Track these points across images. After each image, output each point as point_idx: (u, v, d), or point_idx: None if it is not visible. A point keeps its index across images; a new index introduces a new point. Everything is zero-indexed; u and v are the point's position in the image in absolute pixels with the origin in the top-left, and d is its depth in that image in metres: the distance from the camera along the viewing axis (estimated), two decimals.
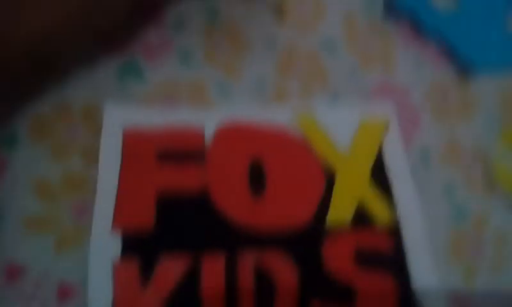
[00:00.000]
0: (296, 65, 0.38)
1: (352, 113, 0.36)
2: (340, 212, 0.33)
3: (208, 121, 0.34)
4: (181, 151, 0.32)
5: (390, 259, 0.32)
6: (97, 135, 0.32)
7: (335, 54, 0.39)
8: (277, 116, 0.35)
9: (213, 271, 0.30)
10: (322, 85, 0.37)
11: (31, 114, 0.32)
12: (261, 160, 0.33)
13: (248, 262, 0.30)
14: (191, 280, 0.29)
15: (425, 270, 0.33)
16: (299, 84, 0.37)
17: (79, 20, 0.30)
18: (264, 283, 0.30)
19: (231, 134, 0.34)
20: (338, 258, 0.31)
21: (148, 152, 0.32)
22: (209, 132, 0.34)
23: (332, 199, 0.33)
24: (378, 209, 0.33)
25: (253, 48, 0.38)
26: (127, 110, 0.33)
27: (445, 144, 0.37)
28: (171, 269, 0.30)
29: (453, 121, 0.38)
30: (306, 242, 0.32)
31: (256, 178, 0.33)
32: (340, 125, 0.35)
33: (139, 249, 0.30)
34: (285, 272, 0.31)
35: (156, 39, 0.36)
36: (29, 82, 0.32)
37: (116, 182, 0.31)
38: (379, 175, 0.34)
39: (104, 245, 0.29)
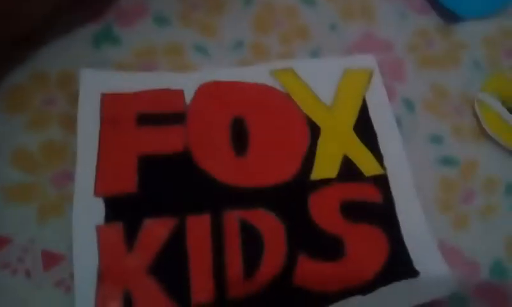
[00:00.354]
0: (275, 21, 0.37)
1: (334, 66, 0.36)
2: (325, 165, 0.33)
3: (187, 83, 0.33)
4: (161, 113, 0.32)
5: (378, 210, 0.32)
6: (75, 103, 0.32)
7: (314, 8, 0.38)
8: (257, 74, 0.34)
9: (199, 231, 0.30)
10: (302, 41, 0.37)
11: (6, 85, 0.32)
12: (243, 118, 0.33)
13: (233, 220, 0.30)
14: (177, 241, 0.29)
15: (414, 219, 0.32)
16: (278, 41, 0.36)
17: None
18: (251, 239, 0.30)
19: (211, 94, 0.33)
20: (324, 211, 0.31)
21: (127, 116, 0.31)
22: (189, 93, 0.33)
23: (317, 153, 0.33)
24: (364, 161, 0.33)
25: (231, 5, 0.37)
26: (104, 76, 0.32)
27: (431, 94, 0.37)
28: (156, 231, 0.29)
29: (438, 70, 0.38)
30: (291, 197, 0.31)
31: (239, 136, 0.32)
32: (322, 79, 0.35)
33: (123, 213, 0.29)
34: (271, 228, 0.30)
35: (131, 3, 0.35)
36: (5, 53, 0.32)
37: (96, 148, 0.31)
38: (364, 127, 0.34)
39: (87, 212, 0.29)
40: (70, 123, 0.31)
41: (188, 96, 0.33)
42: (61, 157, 0.30)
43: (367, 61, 0.36)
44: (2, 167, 0.29)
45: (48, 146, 0.31)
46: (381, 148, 0.33)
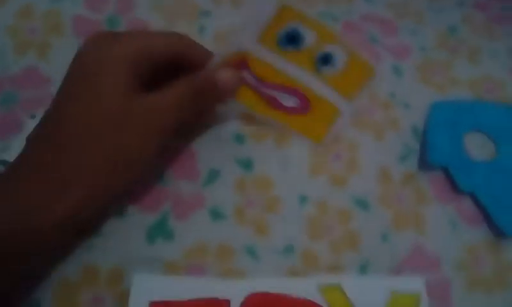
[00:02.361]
0: (327, 225, 0.37)
1: (382, 287, 0.35)
2: None
3: (235, 292, 0.33)
4: None
5: None
6: (122, 303, 0.32)
7: (367, 212, 0.38)
8: (305, 288, 0.34)
9: None
10: (352, 248, 0.37)
11: (57, 277, 0.32)
12: None
13: None
14: None
15: None
16: (328, 249, 0.36)
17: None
18: None
19: None
20: None
21: None
22: (235, 303, 0.33)
23: None
24: None
25: (284, 205, 0.37)
26: (154, 282, 0.33)
27: None
28: None
29: (485, 293, 0.37)
30: None
31: None
32: (369, 300, 0.35)
33: None
34: None
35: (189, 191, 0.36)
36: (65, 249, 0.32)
37: None
38: None
39: None
40: None
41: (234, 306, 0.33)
42: None
43: (415, 284, 0.36)
44: None
45: None
46: None
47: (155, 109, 0.32)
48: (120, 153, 0.31)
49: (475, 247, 0.39)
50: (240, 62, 0.36)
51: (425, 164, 0.41)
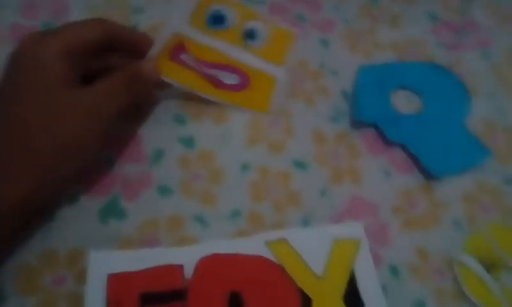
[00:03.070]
0: (269, 188, 0.40)
1: (324, 236, 0.38)
2: None
3: (187, 258, 0.36)
4: (163, 291, 0.34)
5: None
6: (82, 281, 0.34)
7: (305, 172, 0.41)
8: (253, 245, 0.37)
9: None
10: (294, 206, 0.40)
11: (17, 264, 0.34)
12: (239, 292, 0.35)
13: None
14: None
15: None
16: (272, 209, 0.39)
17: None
18: None
19: (210, 268, 0.36)
20: None
21: (131, 297, 0.34)
22: (189, 268, 0.35)
23: None
24: None
25: (229, 173, 0.40)
26: (110, 257, 0.35)
27: (414, 257, 0.39)
28: None
29: (421, 232, 0.40)
30: None
31: None
32: (313, 249, 0.37)
33: None
34: None
35: (136, 173, 0.39)
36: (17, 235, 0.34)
37: None
38: (353, 297, 0.36)
39: None
40: (77, 303, 0.33)
41: (188, 271, 0.35)
42: None
43: (355, 229, 0.39)
44: None
45: None
46: None
47: (94, 98, 0.35)
48: (64, 142, 0.33)
49: (408, 191, 0.42)
50: (178, 46, 0.40)
51: (355, 122, 0.44)
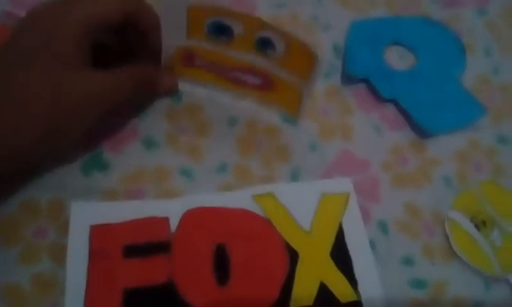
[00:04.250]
0: (257, 142, 0.39)
1: (312, 191, 0.37)
2: (304, 291, 0.34)
3: (172, 210, 0.35)
4: (147, 243, 0.34)
5: None
6: (65, 233, 0.33)
7: (295, 127, 0.40)
8: (240, 199, 0.36)
9: None
10: (283, 162, 0.39)
11: None
12: (225, 246, 0.35)
13: None
14: None
15: None
16: (260, 163, 0.38)
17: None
18: None
19: (195, 221, 0.35)
20: None
21: (114, 249, 0.33)
22: (174, 220, 0.35)
23: (296, 279, 0.35)
24: (340, 288, 0.35)
25: (216, 127, 0.39)
26: (92, 208, 0.34)
27: (404, 214, 0.39)
28: None
29: (411, 188, 0.40)
30: None
31: (221, 264, 0.34)
32: (301, 203, 0.37)
33: None
34: None
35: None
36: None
37: (85, 281, 0.32)
38: (340, 252, 0.36)
39: None
40: (60, 254, 0.33)
41: (173, 224, 0.35)
42: (50, 290, 0.32)
43: (344, 184, 0.38)
44: None
45: (38, 280, 0.32)
46: (355, 273, 0.35)
47: (96, 88, 0.32)
48: (59, 118, 0.31)
49: (399, 147, 0.41)
50: (187, 55, 0.38)
51: (347, 77, 0.43)
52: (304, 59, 0.35)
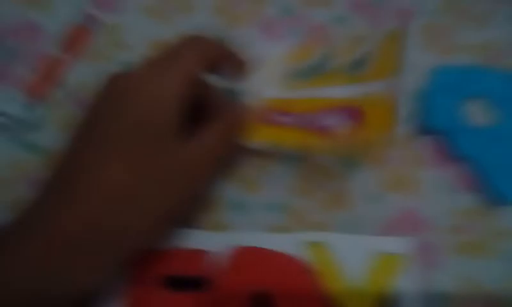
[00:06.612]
0: (317, 183, 0.37)
1: (369, 247, 0.35)
2: None
3: (218, 245, 0.34)
4: (186, 277, 0.32)
5: None
6: None
7: (358, 172, 0.38)
8: (290, 243, 0.34)
9: None
10: (341, 207, 0.36)
11: None
12: (265, 292, 0.33)
13: None
14: None
15: None
16: (317, 206, 0.36)
17: None
18: None
19: (239, 260, 0.34)
20: None
21: (155, 279, 0.32)
22: (218, 256, 0.33)
23: None
24: None
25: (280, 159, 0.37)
26: None
27: (465, 286, 0.35)
28: None
29: (476, 259, 0.36)
30: None
31: None
32: (354, 259, 0.34)
33: None
34: None
35: None
36: None
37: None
38: None
39: None
40: None
41: (217, 259, 0.33)
42: None
43: (403, 245, 0.35)
44: None
45: None
46: None
47: (196, 160, 0.30)
48: (167, 212, 0.29)
49: (469, 212, 0.38)
50: (268, 110, 0.35)
51: (424, 127, 0.40)
52: (393, 44, 0.33)
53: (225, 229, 0.35)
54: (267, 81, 0.34)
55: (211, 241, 0.34)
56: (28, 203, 0.27)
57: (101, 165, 0.26)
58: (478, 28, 0.45)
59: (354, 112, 0.34)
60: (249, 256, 0.34)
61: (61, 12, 0.41)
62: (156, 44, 0.41)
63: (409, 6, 0.45)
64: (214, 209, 0.35)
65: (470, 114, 0.42)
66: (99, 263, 0.26)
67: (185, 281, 0.33)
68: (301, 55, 0.33)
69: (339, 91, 0.34)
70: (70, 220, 0.25)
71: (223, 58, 0.33)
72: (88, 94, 0.31)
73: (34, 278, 0.25)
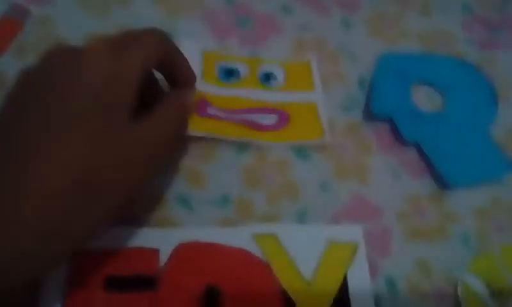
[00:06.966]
0: (265, 176, 0.36)
1: (319, 236, 0.35)
2: None
3: (164, 242, 0.32)
4: (132, 277, 0.31)
5: None
6: None
7: (308, 163, 0.37)
8: (239, 237, 0.33)
9: None
10: (290, 198, 0.36)
11: None
12: (217, 286, 0.32)
13: None
14: None
15: None
16: (266, 199, 0.35)
17: None
18: None
19: (187, 257, 0.32)
20: None
21: (95, 280, 0.30)
22: (165, 253, 0.32)
23: None
24: None
25: (223, 153, 0.36)
26: None
27: (414, 271, 0.35)
28: None
29: (425, 244, 0.37)
30: None
31: (210, 306, 0.31)
32: (304, 249, 0.34)
33: None
34: None
35: None
36: None
37: None
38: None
39: None
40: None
41: (163, 257, 0.32)
42: None
43: (353, 232, 0.35)
44: None
45: None
46: None
47: (148, 141, 0.28)
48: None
49: (417, 197, 0.38)
50: (200, 102, 0.36)
51: (369, 114, 0.40)
52: (303, 70, 0.40)
53: (172, 226, 0.34)
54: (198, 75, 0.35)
55: (158, 238, 0.33)
56: None
57: (51, 148, 0.24)
58: (423, 16, 0.46)
59: (280, 113, 0.38)
60: (196, 251, 0.33)
61: None
62: (93, 37, 0.39)
63: None
64: (160, 205, 0.34)
65: (416, 100, 0.42)
66: (47, 252, 0.24)
67: (129, 281, 0.31)
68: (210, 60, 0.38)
69: (260, 95, 0.39)
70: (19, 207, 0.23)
71: (174, 60, 0.32)
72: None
73: None
